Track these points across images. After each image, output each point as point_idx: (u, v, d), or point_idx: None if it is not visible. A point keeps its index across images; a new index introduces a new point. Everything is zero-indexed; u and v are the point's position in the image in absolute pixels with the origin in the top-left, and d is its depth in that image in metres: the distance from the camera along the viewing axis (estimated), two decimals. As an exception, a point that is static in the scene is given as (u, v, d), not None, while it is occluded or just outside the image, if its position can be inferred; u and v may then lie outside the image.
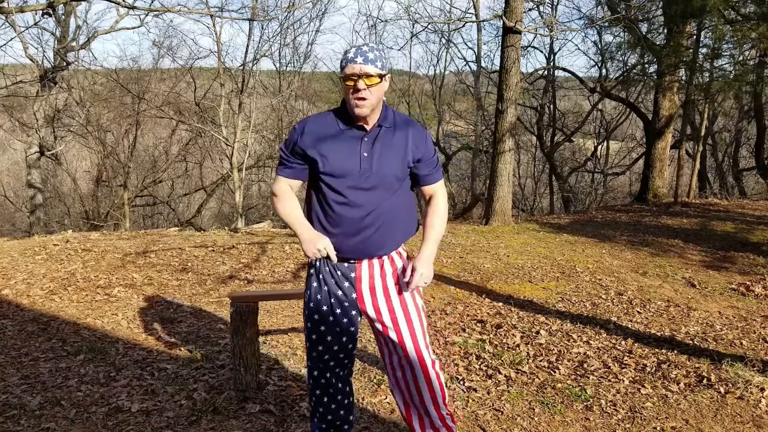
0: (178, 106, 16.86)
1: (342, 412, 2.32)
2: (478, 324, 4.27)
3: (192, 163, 19.02)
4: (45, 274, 5.32)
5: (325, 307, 2.19)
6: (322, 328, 2.20)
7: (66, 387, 3.14)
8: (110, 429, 2.72)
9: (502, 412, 2.93)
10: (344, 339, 2.22)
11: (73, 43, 13.74)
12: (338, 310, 2.19)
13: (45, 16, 12.79)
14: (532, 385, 3.24)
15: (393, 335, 2.20)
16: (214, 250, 6.44)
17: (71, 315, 4.35)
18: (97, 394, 3.06)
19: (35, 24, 13.24)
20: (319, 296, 2.19)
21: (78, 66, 14.61)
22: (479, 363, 3.52)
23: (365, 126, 2.12)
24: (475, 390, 3.16)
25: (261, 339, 3.45)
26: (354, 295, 2.19)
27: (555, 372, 3.41)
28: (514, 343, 3.87)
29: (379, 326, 2.21)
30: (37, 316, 4.29)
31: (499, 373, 3.38)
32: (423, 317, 2.25)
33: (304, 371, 3.36)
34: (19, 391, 3.08)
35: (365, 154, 2.10)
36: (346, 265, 2.18)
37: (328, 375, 2.25)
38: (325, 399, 2.28)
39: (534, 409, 2.96)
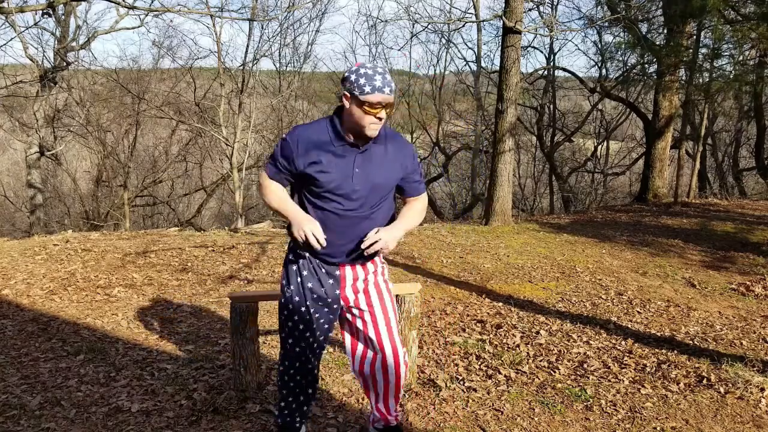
0: (178, 106, 16.85)
1: (307, 398, 2.47)
2: (478, 324, 4.27)
3: (192, 163, 19.02)
4: (45, 274, 5.32)
5: (303, 308, 2.27)
6: (301, 326, 2.29)
7: (66, 387, 3.14)
8: (110, 429, 2.72)
9: (502, 412, 2.93)
10: (320, 336, 2.33)
11: (73, 43, 13.74)
12: (317, 313, 2.29)
13: (45, 16, 12.80)
14: (532, 385, 3.24)
15: (368, 319, 2.32)
16: (214, 250, 6.44)
17: (71, 315, 4.35)
18: (97, 394, 3.06)
19: (35, 24, 13.24)
20: (297, 298, 2.27)
21: (78, 66, 14.61)
22: (479, 363, 3.52)
23: (359, 143, 2.16)
24: (475, 390, 3.16)
25: (261, 339, 3.46)
26: (337, 292, 2.29)
27: (555, 372, 3.41)
28: (514, 343, 3.87)
29: (356, 311, 2.33)
30: (37, 316, 4.29)
31: (499, 373, 3.38)
32: (395, 310, 2.41)
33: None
34: (19, 391, 3.08)
35: (357, 170, 2.15)
36: (329, 266, 2.27)
37: (298, 365, 2.37)
38: (296, 388, 2.42)
39: (534, 409, 2.96)
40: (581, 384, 3.25)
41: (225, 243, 6.83)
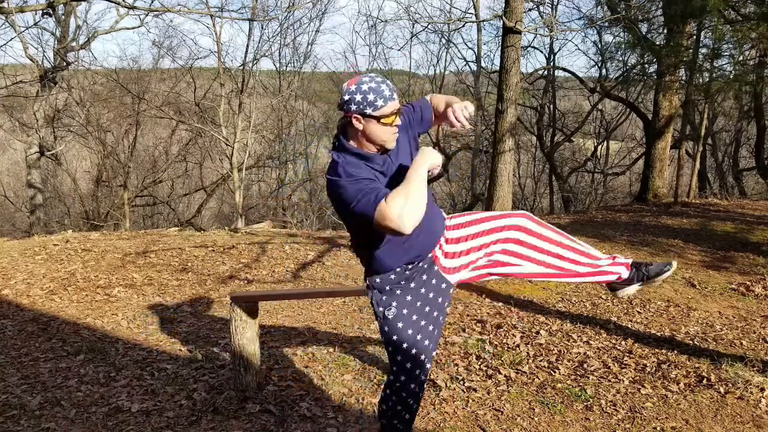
0: (178, 106, 16.86)
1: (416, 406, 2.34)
2: (478, 324, 4.27)
3: (192, 163, 19.02)
4: (45, 274, 5.32)
5: (423, 322, 2.19)
6: (426, 342, 2.20)
7: (66, 387, 3.14)
8: (110, 429, 2.72)
9: (502, 412, 2.93)
10: (433, 344, 2.26)
11: (73, 43, 13.75)
12: (432, 322, 2.22)
13: (45, 16, 12.81)
14: (532, 385, 3.24)
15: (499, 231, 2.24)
16: (214, 250, 6.44)
17: (71, 315, 4.35)
18: (97, 394, 3.06)
19: (35, 24, 13.26)
20: (415, 316, 2.18)
21: (78, 66, 14.63)
22: (479, 363, 3.52)
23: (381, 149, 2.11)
24: (475, 390, 3.16)
25: (261, 339, 3.46)
26: (444, 285, 2.22)
27: (555, 372, 3.41)
28: (514, 343, 3.87)
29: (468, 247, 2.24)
30: (37, 316, 4.29)
31: (499, 373, 3.38)
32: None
33: (304, 371, 3.37)
34: (19, 391, 3.08)
35: (395, 167, 2.10)
36: (425, 265, 2.19)
37: (423, 378, 2.26)
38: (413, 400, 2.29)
39: (534, 409, 2.96)
40: (581, 384, 3.25)
41: (225, 243, 6.83)
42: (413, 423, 2.35)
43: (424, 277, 2.19)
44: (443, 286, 2.23)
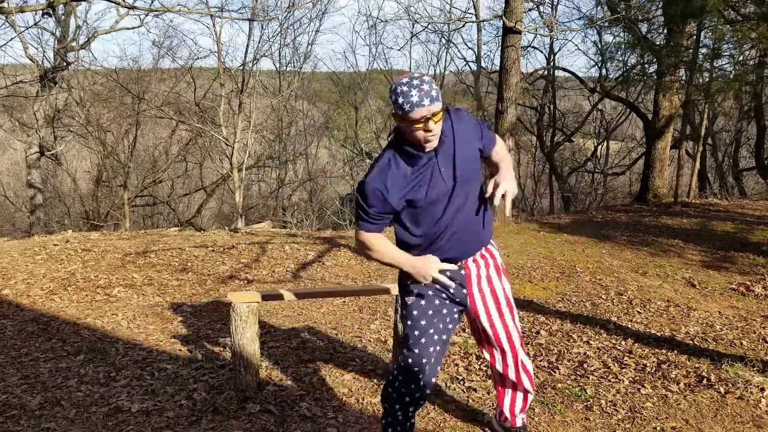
0: (178, 106, 16.85)
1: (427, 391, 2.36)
2: (478, 324, 4.27)
3: (192, 163, 19.01)
4: (45, 274, 5.32)
5: (431, 311, 2.26)
6: (431, 330, 2.26)
7: (66, 387, 3.14)
8: (110, 429, 2.72)
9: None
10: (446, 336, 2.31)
11: (73, 43, 13.75)
12: (441, 321, 2.28)
13: (45, 16, 12.81)
14: (532, 385, 3.24)
15: (485, 317, 2.36)
16: (214, 250, 6.44)
17: (71, 315, 4.35)
18: (97, 394, 3.06)
19: (35, 24, 13.27)
20: (426, 304, 2.26)
21: (78, 66, 14.63)
22: (479, 363, 3.52)
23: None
24: (475, 390, 3.16)
25: (261, 339, 3.46)
26: (464, 291, 2.29)
27: (555, 372, 3.41)
28: (514, 343, 3.87)
29: (480, 308, 2.34)
30: (37, 316, 4.29)
31: (499, 373, 3.38)
32: (512, 306, 2.46)
33: (304, 371, 3.37)
34: (19, 391, 3.08)
35: (443, 169, 2.10)
36: (455, 267, 2.24)
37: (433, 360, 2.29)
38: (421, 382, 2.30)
39: (534, 409, 2.96)
40: (581, 384, 3.25)
41: (225, 243, 6.83)
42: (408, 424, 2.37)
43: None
44: (455, 310, 2.32)
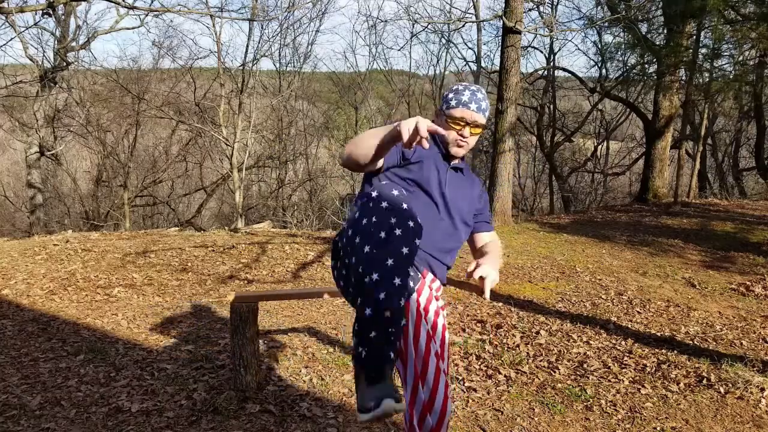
0: (178, 106, 16.84)
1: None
2: (478, 324, 4.27)
3: (192, 163, 19.01)
4: (45, 274, 5.32)
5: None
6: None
7: (66, 387, 3.14)
8: (110, 429, 2.72)
9: (502, 412, 2.93)
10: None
11: (73, 43, 13.75)
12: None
13: (45, 16, 12.80)
14: (532, 385, 3.24)
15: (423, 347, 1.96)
16: (214, 250, 6.44)
17: (71, 315, 4.35)
18: (97, 394, 3.06)
19: (35, 24, 13.25)
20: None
21: (78, 66, 14.63)
22: (479, 363, 3.52)
23: (448, 158, 2.08)
24: (475, 390, 3.16)
25: (261, 339, 3.46)
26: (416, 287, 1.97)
27: (555, 372, 3.41)
28: (514, 343, 3.87)
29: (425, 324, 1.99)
30: (37, 316, 4.29)
31: (499, 373, 3.38)
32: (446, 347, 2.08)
33: (304, 371, 3.37)
34: (19, 391, 3.08)
35: (447, 186, 2.03)
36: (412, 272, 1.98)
37: None
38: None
39: (534, 409, 2.96)
40: (581, 384, 3.25)
41: (225, 243, 6.83)
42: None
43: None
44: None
